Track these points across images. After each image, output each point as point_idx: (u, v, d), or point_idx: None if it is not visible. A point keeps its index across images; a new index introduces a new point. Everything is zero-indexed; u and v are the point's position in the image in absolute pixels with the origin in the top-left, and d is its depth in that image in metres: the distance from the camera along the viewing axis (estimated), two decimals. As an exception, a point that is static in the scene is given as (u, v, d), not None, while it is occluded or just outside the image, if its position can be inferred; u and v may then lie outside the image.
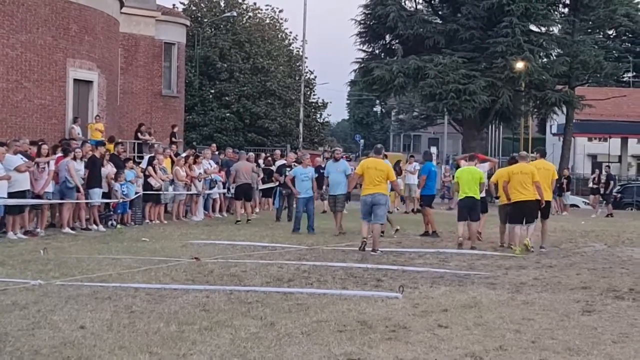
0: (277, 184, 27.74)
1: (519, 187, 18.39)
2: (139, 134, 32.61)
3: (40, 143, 21.22)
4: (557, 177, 20.57)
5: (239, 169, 25.90)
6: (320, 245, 18.53)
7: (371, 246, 17.47)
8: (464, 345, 8.75)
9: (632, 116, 69.21)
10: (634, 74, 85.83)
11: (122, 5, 33.76)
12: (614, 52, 76.60)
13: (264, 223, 24.77)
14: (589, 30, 62.16)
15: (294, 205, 23.43)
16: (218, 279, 13.04)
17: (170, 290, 11.64)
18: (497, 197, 20.70)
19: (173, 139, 33.02)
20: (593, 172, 43.60)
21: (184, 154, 27.96)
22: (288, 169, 25.79)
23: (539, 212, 19.01)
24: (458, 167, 21.61)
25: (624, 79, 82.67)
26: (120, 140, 28.20)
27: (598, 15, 55.10)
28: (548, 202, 19.52)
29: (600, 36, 73.51)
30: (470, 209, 19.04)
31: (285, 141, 53.53)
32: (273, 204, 29.58)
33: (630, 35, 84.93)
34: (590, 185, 38.83)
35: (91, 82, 30.51)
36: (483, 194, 20.40)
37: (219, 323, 9.48)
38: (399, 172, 31.91)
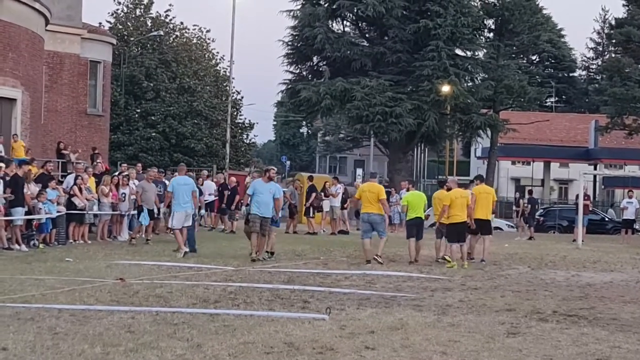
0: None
1: (458, 210, 20.41)
2: (63, 152, 32.16)
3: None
4: (496, 198, 23.09)
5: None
6: (246, 267, 18.44)
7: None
8: (391, 367, 8.77)
9: (555, 140, 70.47)
10: (557, 98, 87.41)
11: (47, 22, 33.36)
12: (537, 77, 77.95)
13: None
14: (514, 55, 63.25)
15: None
16: (143, 300, 12.89)
17: (94, 312, 11.48)
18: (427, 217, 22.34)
19: (92, 161, 32.55)
20: (519, 196, 43.24)
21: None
22: None
23: (481, 229, 21.61)
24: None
25: (547, 104, 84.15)
26: (48, 159, 27.76)
27: (522, 41, 56.08)
28: (489, 221, 22.08)
29: (524, 61, 74.88)
30: (418, 227, 21.31)
31: (211, 162, 53.28)
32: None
33: (552, 61, 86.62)
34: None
35: (15, 99, 30.10)
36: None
37: (145, 345, 9.37)
38: (326, 195, 31.94)
